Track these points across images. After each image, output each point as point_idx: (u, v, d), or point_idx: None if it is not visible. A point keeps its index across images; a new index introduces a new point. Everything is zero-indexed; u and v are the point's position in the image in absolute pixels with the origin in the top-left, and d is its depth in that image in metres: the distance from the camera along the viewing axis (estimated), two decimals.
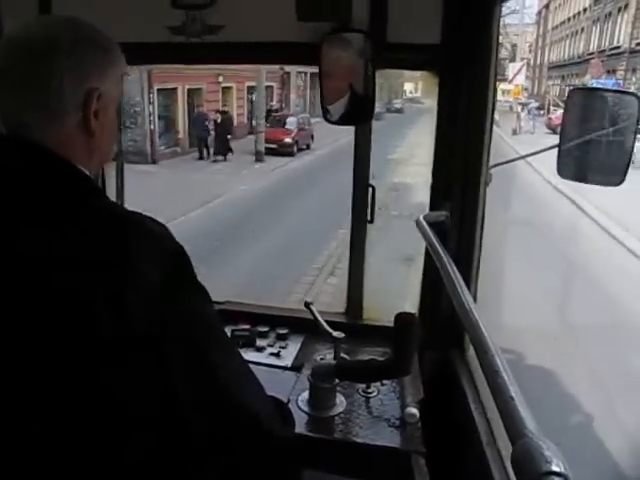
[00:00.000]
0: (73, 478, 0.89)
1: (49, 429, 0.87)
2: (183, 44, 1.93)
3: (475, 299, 1.85)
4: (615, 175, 1.64)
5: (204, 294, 1.01)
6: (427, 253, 1.92)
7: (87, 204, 0.95)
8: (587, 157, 1.70)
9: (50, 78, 0.95)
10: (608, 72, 32.17)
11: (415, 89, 47.73)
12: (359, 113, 1.87)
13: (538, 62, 54.77)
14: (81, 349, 0.86)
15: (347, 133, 2.18)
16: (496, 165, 1.91)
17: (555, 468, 0.63)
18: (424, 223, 1.70)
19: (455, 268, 1.33)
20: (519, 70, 32.09)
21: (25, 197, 0.91)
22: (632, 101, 1.64)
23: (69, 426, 0.88)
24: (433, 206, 1.94)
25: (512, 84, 31.20)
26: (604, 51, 33.75)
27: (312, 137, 21.93)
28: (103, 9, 1.76)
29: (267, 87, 23.00)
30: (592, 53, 36.52)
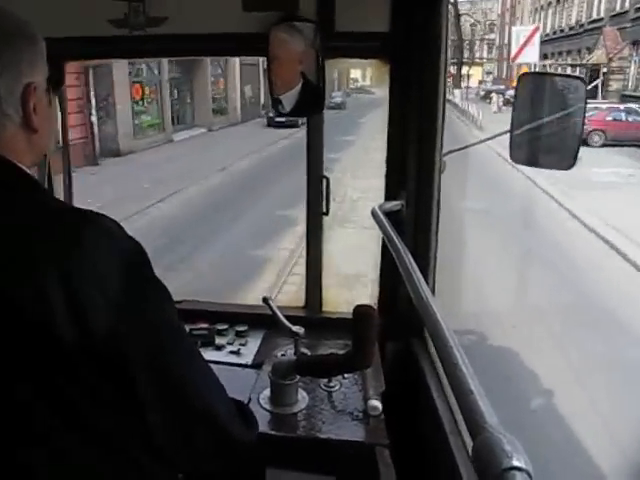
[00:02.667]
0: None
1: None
2: (127, 37, 1.86)
3: (433, 290, 1.85)
4: (566, 159, 1.66)
5: (164, 292, 0.99)
6: (384, 243, 1.91)
7: (36, 202, 0.93)
8: (539, 142, 1.71)
9: None
10: (634, 44, 25.10)
11: (363, 77, 44.79)
12: (311, 104, 1.84)
13: (505, 41, 48.77)
14: (37, 352, 0.84)
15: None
16: (450, 152, 1.91)
17: (516, 463, 0.63)
18: (379, 213, 1.68)
19: (412, 259, 1.32)
20: (528, 40, 20.93)
21: None
22: (579, 85, 1.66)
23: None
24: (388, 195, 1.93)
25: (517, 62, 22.38)
26: (623, 14, 26.34)
27: None
28: (40, 2, 1.69)
29: None
30: (598, 20, 29.99)
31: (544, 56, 33.98)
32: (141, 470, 0.97)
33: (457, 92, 34.98)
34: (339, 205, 9.94)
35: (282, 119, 22.13)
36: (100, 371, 0.87)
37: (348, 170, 13.78)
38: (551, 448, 3.47)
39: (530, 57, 21.04)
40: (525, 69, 19.18)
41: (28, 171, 0.97)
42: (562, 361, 5.07)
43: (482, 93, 37.73)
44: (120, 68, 16.79)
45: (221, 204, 12.09)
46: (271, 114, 23.30)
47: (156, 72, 20.39)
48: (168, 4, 1.82)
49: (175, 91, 22.15)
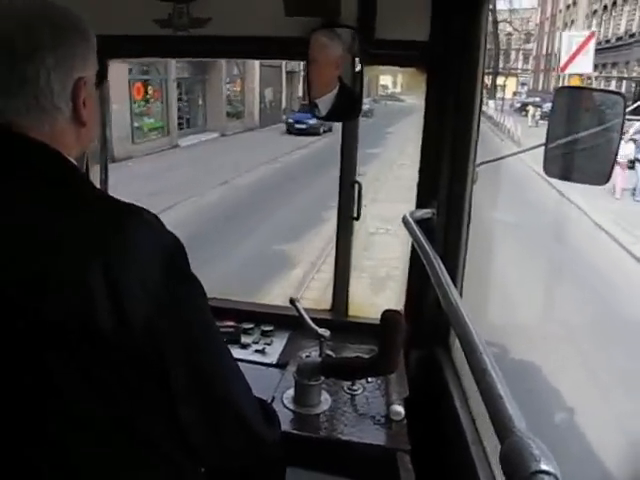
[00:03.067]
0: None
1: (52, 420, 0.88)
2: (170, 37, 1.90)
3: (461, 296, 1.85)
4: (600, 175, 1.65)
5: (200, 289, 1.00)
6: (413, 250, 1.92)
7: (83, 194, 0.95)
8: (573, 156, 1.70)
9: (37, 78, 0.93)
10: None
11: (394, 84, 43.37)
12: (347, 109, 1.86)
13: (544, 51, 46.30)
14: (76, 339, 0.85)
15: None
16: (483, 163, 1.92)
17: (544, 467, 0.63)
18: (410, 220, 1.70)
19: (442, 265, 1.33)
20: (581, 47, 17.92)
21: (20, 187, 0.91)
22: (618, 100, 1.65)
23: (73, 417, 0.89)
24: (420, 203, 1.94)
25: (566, 72, 18.68)
26: None
27: None
28: (88, 1, 1.74)
29: None
30: None
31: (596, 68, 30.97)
32: (170, 464, 0.99)
33: (491, 103, 33.47)
34: None
35: (303, 126, 23.05)
36: (136, 363, 0.89)
37: (369, 191, 9.98)
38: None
39: (583, 67, 18.43)
40: (577, 80, 17.83)
41: (75, 163, 0.99)
42: (587, 376, 4.99)
43: (517, 105, 36.50)
44: (117, 63, 16.01)
45: (204, 234, 8.76)
46: (291, 119, 24.37)
47: (161, 71, 19.36)
48: (212, 6, 1.86)
49: (184, 92, 21.32)
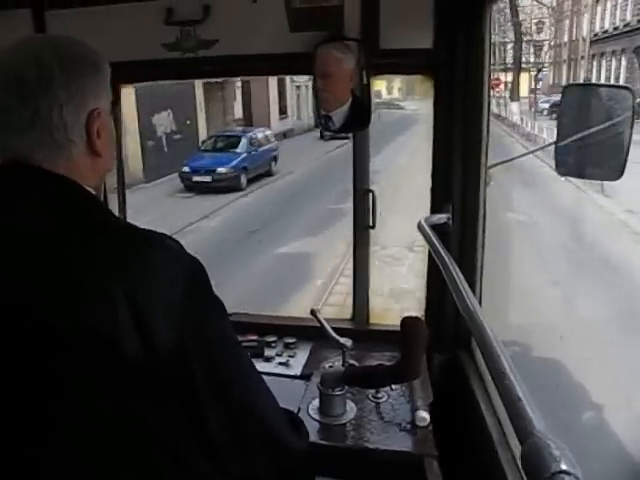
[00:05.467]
0: None
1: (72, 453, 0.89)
2: (178, 60, 1.95)
3: (480, 301, 1.85)
4: (613, 170, 1.65)
5: (221, 308, 1.02)
6: (430, 255, 1.93)
7: (103, 223, 0.97)
8: (585, 153, 1.70)
9: (50, 113, 0.95)
10: None
11: (389, 90, 40.34)
12: (358, 120, 1.88)
13: (565, 39, 37.79)
14: (103, 365, 0.87)
15: None
16: (495, 165, 1.92)
17: (564, 467, 0.64)
18: (425, 226, 1.70)
19: (458, 270, 1.33)
20: None
21: (43, 220, 0.92)
22: (626, 95, 1.64)
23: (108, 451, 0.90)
24: (434, 208, 1.95)
25: None
26: None
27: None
28: (97, 29, 1.79)
29: None
30: None
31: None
32: (194, 473, 1.00)
33: (514, 106, 27.40)
34: None
35: (206, 178, 15.36)
36: (164, 384, 0.90)
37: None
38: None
39: None
40: None
41: (94, 192, 1.01)
42: (607, 375, 4.93)
43: (544, 106, 27.28)
44: None
45: None
46: (187, 168, 15.82)
47: None
48: (218, 27, 1.90)
49: None
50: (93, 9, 1.89)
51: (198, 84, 17.92)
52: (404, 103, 36.46)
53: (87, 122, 0.99)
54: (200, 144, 18.42)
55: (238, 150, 17.03)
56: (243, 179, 16.32)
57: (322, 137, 22.74)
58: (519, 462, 1.33)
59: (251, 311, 2.36)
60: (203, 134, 19.66)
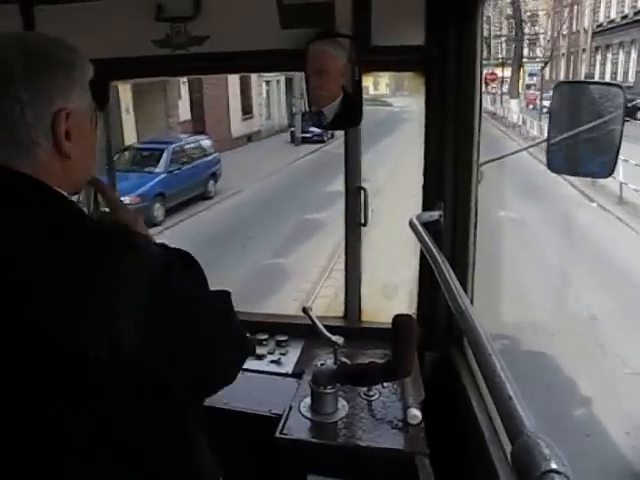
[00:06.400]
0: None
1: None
2: (169, 56, 1.94)
3: (472, 299, 1.85)
4: (605, 167, 1.65)
5: (189, 301, 1.00)
6: (422, 253, 1.93)
7: (73, 224, 0.94)
8: (576, 150, 1.70)
9: (10, 112, 0.92)
10: None
11: (375, 85, 37.69)
12: (350, 117, 1.88)
13: (563, 30, 35.21)
14: (69, 370, 0.86)
15: None
16: (487, 162, 1.92)
17: (554, 466, 0.64)
18: (417, 223, 1.70)
19: (450, 269, 1.33)
20: None
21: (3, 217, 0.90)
22: (617, 92, 1.65)
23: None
24: (426, 206, 1.94)
25: None
26: None
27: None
28: (87, 25, 1.78)
29: None
30: None
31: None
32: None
33: (514, 104, 26.15)
34: None
35: None
36: (133, 386, 0.89)
37: None
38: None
39: None
40: None
41: (64, 193, 0.97)
42: (596, 370, 4.97)
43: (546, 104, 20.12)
44: None
45: None
46: None
47: None
48: (209, 24, 1.89)
49: None
50: (82, 5, 1.87)
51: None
52: (392, 99, 35.20)
53: (53, 122, 0.95)
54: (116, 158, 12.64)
55: (157, 169, 12.81)
56: (158, 211, 12.13)
57: (293, 141, 21.62)
58: (510, 460, 1.34)
59: (242, 309, 2.35)
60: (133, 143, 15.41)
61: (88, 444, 0.89)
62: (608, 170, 1.66)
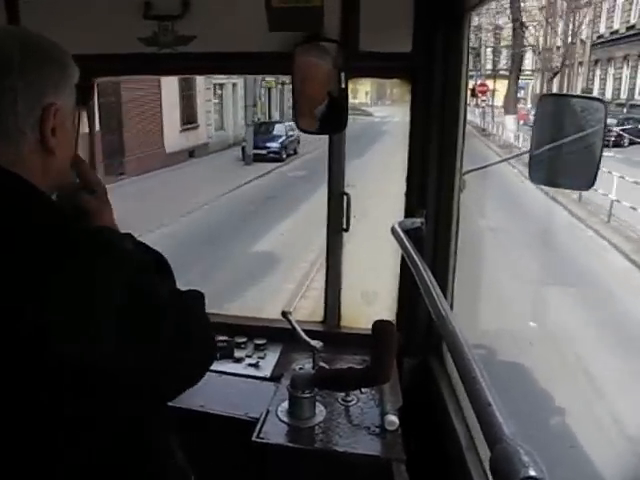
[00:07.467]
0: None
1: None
2: (155, 55, 1.92)
3: (452, 306, 1.86)
4: (585, 179, 1.67)
5: (158, 301, 0.98)
6: (403, 259, 1.93)
7: (41, 221, 0.92)
8: (558, 162, 1.72)
9: (2, 97, 0.92)
10: None
11: (354, 93, 35.81)
12: (335, 122, 1.88)
13: (557, 41, 32.47)
14: (39, 371, 0.85)
15: None
16: (470, 171, 1.94)
17: (533, 473, 0.64)
18: (399, 230, 1.71)
19: (431, 275, 1.34)
20: None
21: None
22: (599, 107, 1.67)
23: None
24: (408, 213, 1.95)
25: None
26: None
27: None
28: (73, 21, 1.76)
29: None
30: None
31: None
32: None
33: (510, 120, 22.99)
34: None
35: None
36: (102, 386, 0.89)
37: None
38: None
39: None
40: None
41: (41, 189, 0.96)
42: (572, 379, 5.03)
43: None
44: None
45: None
46: None
47: None
48: (197, 23, 1.88)
49: None
50: None
51: None
52: (372, 109, 34.23)
53: (42, 116, 0.95)
54: None
55: None
56: None
57: (243, 159, 18.42)
58: (487, 467, 1.34)
59: (221, 311, 2.34)
60: None
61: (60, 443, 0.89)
62: (588, 183, 1.67)
